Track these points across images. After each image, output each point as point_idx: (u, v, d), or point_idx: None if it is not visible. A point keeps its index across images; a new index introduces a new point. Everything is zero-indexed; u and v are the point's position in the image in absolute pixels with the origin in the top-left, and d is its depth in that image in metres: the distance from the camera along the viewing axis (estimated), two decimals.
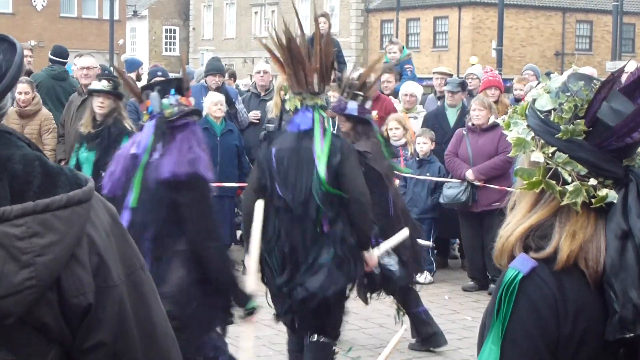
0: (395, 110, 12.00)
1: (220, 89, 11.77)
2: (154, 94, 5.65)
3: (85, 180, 2.06)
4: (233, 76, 16.02)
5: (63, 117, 10.56)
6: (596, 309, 2.19)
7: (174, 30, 65.18)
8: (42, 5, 48.18)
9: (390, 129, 11.24)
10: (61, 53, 12.86)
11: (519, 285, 2.19)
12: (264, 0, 59.64)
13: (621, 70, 2.30)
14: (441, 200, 10.71)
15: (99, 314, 2.03)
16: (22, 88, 10.13)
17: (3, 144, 2.05)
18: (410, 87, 12.37)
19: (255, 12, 59.79)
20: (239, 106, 12.07)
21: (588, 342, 2.19)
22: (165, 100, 5.66)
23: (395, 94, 12.95)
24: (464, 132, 10.66)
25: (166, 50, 63.22)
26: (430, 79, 15.23)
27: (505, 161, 10.09)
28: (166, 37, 64.49)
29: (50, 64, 12.65)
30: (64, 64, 12.75)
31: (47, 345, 2.01)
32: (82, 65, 10.74)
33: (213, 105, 11.04)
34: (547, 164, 2.27)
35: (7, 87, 2.05)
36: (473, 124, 10.55)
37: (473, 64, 16.02)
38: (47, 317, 1.99)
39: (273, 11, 57.05)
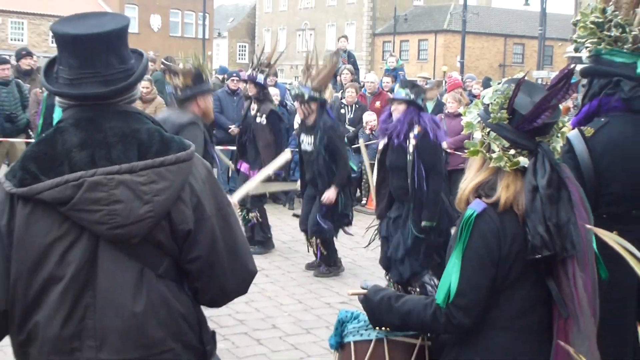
0: None
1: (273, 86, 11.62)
2: None
3: (189, 146, 2.04)
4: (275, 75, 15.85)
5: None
6: (523, 238, 2.19)
7: (245, 46, 64.94)
8: (157, 27, 47.93)
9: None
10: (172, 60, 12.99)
11: (474, 220, 2.20)
12: (304, 26, 59.17)
13: (522, 79, 2.29)
14: None
15: (197, 236, 2.03)
16: (144, 84, 10.13)
17: (135, 120, 2.04)
18: None
19: (299, 35, 59.33)
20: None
21: (518, 260, 2.19)
22: None
23: (392, 90, 12.85)
24: (442, 117, 10.60)
25: (239, 59, 63.06)
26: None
27: (469, 136, 9.95)
28: (239, 51, 64.33)
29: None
30: None
31: (162, 256, 2.02)
32: None
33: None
34: (484, 139, 2.29)
35: (136, 79, 2.04)
36: (448, 112, 10.49)
37: (445, 71, 15.85)
38: (161, 237, 1.99)
39: (311, 34, 56.60)
